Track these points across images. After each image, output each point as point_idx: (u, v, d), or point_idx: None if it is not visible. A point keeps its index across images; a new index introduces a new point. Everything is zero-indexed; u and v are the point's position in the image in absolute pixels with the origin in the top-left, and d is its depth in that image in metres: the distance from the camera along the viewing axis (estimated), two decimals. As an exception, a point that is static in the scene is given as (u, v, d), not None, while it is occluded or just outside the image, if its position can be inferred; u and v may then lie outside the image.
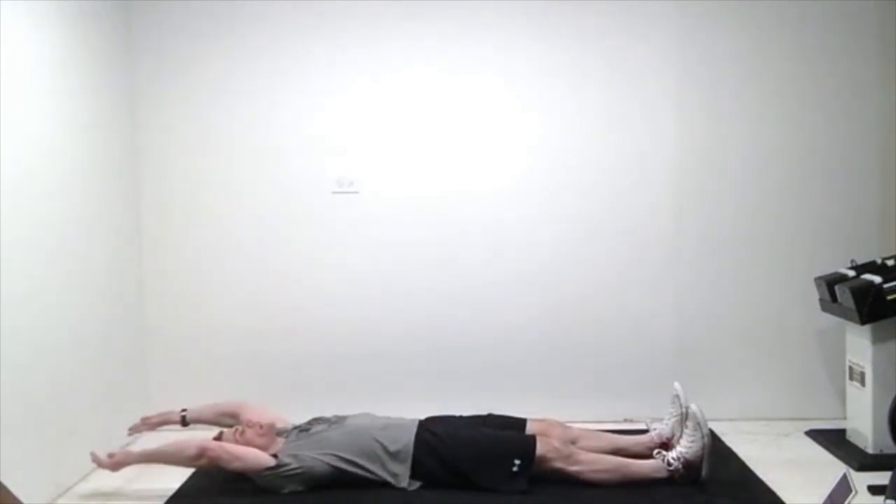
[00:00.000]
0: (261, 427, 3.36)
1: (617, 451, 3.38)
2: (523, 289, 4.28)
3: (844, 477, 2.57)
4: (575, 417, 3.77)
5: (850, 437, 3.78)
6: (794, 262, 4.21)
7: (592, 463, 3.23)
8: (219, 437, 3.41)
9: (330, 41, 4.20)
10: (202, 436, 3.43)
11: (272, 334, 4.29)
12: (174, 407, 4.24)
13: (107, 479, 3.54)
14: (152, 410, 4.21)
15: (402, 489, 3.21)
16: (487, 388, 4.20)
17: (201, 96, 4.23)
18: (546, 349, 4.29)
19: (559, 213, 4.27)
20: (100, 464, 3.34)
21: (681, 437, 3.28)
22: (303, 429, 3.43)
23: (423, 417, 3.45)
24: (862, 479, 2.96)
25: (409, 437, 3.26)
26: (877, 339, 3.58)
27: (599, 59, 4.21)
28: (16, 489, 2.31)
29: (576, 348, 4.28)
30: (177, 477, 3.44)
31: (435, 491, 3.20)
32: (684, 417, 3.31)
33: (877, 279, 3.51)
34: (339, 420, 3.43)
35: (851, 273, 3.73)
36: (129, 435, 3.65)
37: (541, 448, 3.20)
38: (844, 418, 3.89)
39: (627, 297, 4.27)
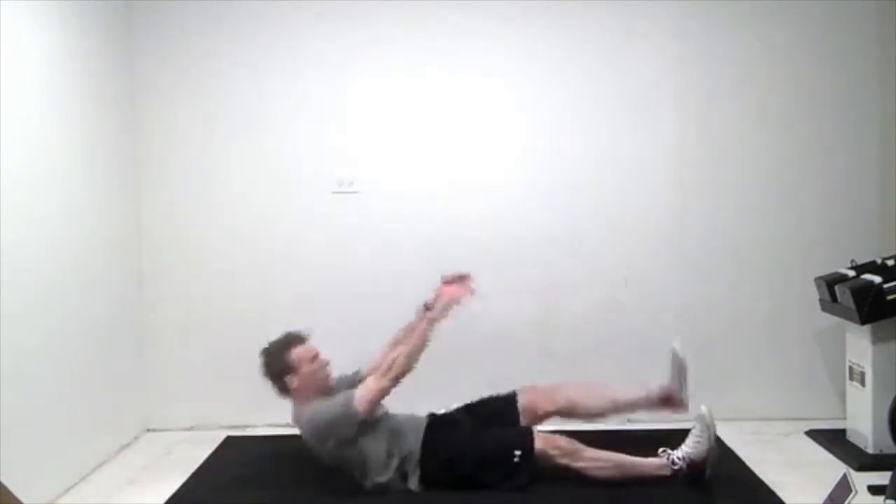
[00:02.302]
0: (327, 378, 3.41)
1: (615, 404, 3.46)
2: (523, 288, 4.28)
3: (844, 477, 2.57)
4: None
5: (850, 437, 3.78)
6: (794, 262, 4.21)
7: (596, 460, 3.23)
8: (298, 340, 3.41)
9: (330, 42, 4.20)
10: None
11: (272, 333, 4.27)
12: (173, 408, 4.26)
13: (107, 479, 3.54)
14: (152, 410, 4.24)
15: (409, 491, 3.21)
16: (487, 386, 4.18)
17: (201, 96, 4.23)
18: (546, 348, 4.28)
19: (559, 213, 4.27)
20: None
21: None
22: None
23: (427, 415, 3.45)
24: (862, 479, 2.96)
25: (416, 444, 3.26)
26: (877, 339, 3.57)
27: (599, 59, 4.21)
28: (16, 489, 2.30)
29: (576, 348, 4.28)
30: (177, 478, 3.44)
31: (436, 492, 3.20)
32: (681, 373, 3.39)
33: (877, 279, 3.51)
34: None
35: (851, 273, 3.72)
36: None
37: (544, 444, 3.20)
38: (844, 418, 3.89)
39: (627, 297, 4.27)
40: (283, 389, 3.35)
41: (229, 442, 3.98)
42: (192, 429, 4.16)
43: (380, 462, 3.22)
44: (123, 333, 4.06)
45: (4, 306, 3.00)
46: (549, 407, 3.48)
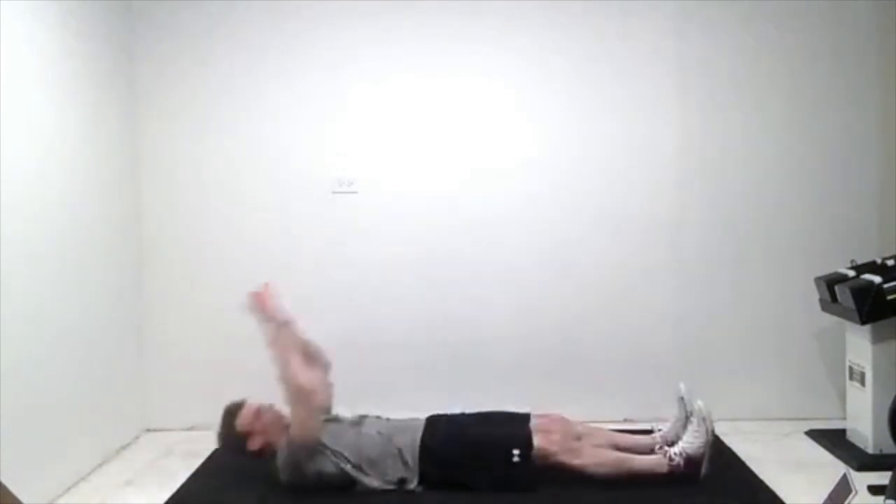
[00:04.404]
0: (281, 420, 3.30)
1: (620, 450, 3.36)
2: (524, 288, 4.28)
3: (844, 477, 2.57)
4: (575, 417, 3.76)
5: (850, 437, 3.78)
6: (794, 262, 4.21)
7: (595, 457, 3.22)
8: (236, 408, 3.34)
9: (331, 43, 4.20)
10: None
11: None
12: (173, 408, 4.26)
13: (107, 479, 3.54)
14: (152, 410, 4.24)
15: (409, 491, 3.20)
16: (487, 386, 4.19)
17: (202, 98, 4.23)
18: (546, 348, 4.29)
19: (560, 213, 4.27)
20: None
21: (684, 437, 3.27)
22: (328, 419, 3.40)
23: (427, 416, 3.42)
24: (862, 479, 2.96)
25: (413, 443, 3.25)
26: (877, 339, 3.57)
27: (598, 60, 4.21)
28: (16, 489, 2.30)
29: (576, 348, 4.28)
30: (177, 478, 3.45)
31: (435, 491, 3.19)
32: (688, 419, 3.29)
33: (877, 279, 3.51)
34: (358, 422, 3.39)
35: (851, 273, 3.73)
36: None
37: (543, 441, 3.19)
38: (844, 418, 3.89)
39: (628, 297, 4.27)
40: (256, 454, 3.29)
41: (229, 442, 3.97)
42: (192, 429, 4.16)
43: (364, 465, 3.20)
44: (123, 333, 4.06)
45: (4, 307, 3.00)
46: (563, 428, 3.33)
